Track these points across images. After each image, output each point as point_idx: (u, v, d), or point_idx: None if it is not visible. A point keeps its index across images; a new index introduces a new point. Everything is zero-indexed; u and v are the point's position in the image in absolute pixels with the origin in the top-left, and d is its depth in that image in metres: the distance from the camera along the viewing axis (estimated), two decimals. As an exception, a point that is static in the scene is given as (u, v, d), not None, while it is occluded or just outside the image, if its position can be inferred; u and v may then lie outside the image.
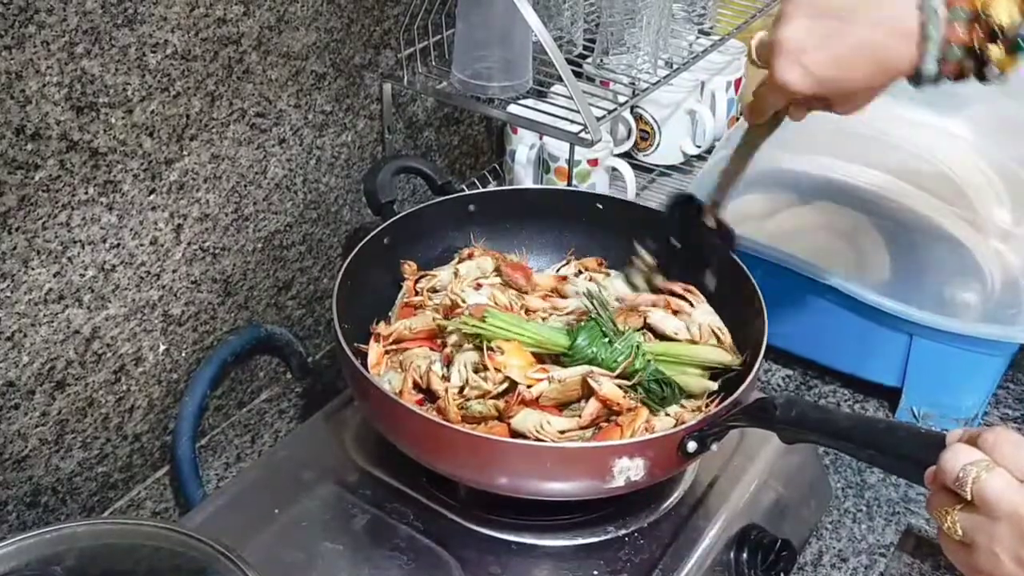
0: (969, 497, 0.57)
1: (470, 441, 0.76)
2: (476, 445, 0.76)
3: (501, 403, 0.81)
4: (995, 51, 0.67)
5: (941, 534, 0.60)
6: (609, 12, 1.18)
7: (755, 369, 0.81)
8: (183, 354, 0.98)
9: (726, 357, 0.88)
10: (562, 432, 0.80)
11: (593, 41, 1.23)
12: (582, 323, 0.85)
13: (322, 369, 1.12)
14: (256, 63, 0.94)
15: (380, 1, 1.07)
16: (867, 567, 0.92)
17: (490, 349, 0.81)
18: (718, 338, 0.89)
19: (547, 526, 0.83)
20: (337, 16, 1.02)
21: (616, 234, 1.01)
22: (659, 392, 0.83)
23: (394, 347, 0.89)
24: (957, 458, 0.58)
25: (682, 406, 0.85)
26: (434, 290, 0.95)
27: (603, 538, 0.82)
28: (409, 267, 0.97)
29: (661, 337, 0.89)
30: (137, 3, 0.81)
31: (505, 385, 0.81)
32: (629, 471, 0.75)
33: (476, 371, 0.82)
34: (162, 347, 0.95)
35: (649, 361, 0.83)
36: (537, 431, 0.79)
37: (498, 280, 0.95)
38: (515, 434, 0.80)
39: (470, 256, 0.98)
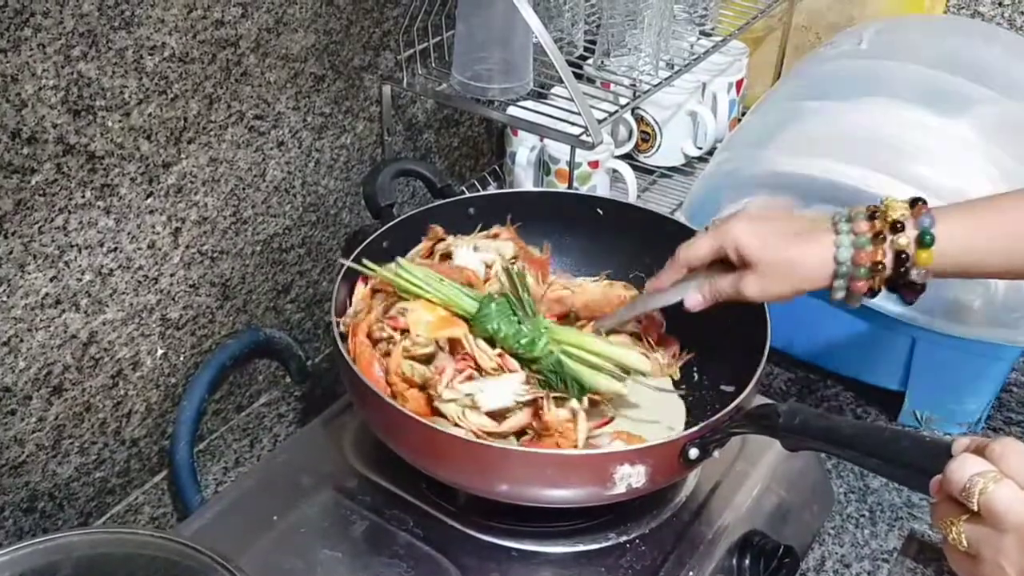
0: (976, 508, 0.56)
1: (469, 448, 0.75)
2: (475, 452, 0.75)
3: (429, 371, 0.80)
4: (903, 240, 0.76)
5: (946, 544, 0.59)
6: (610, 13, 1.18)
7: (757, 374, 0.81)
8: (181, 358, 0.97)
9: (643, 363, 0.85)
10: (483, 428, 0.79)
11: (594, 43, 1.23)
12: (495, 297, 0.84)
13: (321, 373, 1.11)
14: (254, 65, 0.94)
15: (379, 3, 1.07)
16: (870, 573, 0.91)
17: (398, 313, 0.81)
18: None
19: (548, 533, 0.82)
20: (336, 18, 1.01)
21: (617, 237, 1.01)
22: (555, 384, 0.81)
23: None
24: (964, 468, 0.57)
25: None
26: (448, 255, 0.94)
27: (604, 545, 0.82)
28: (434, 230, 0.97)
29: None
30: (134, 5, 0.80)
31: (430, 349, 0.81)
32: (630, 478, 0.74)
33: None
34: (160, 351, 0.94)
35: (551, 352, 0.81)
36: (457, 418, 0.79)
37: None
38: (436, 412, 0.80)
39: (496, 236, 0.97)
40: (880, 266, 0.76)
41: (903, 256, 0.76)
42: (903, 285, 0.78)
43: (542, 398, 0.80)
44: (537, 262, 0.98)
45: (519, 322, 0.82)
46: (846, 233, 0.77)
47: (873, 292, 0.78)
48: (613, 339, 0.91)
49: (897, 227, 0.76)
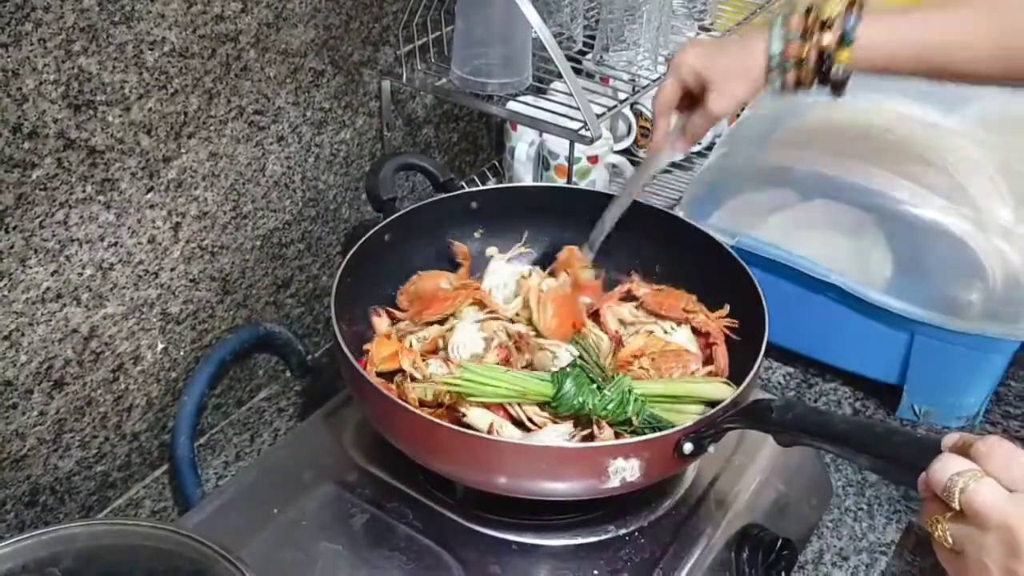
0: (957, 507, 0.56)
1: (466, 441, 0.76)
2: (472, 445, 0.76)
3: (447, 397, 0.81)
4: (827, 37, 0.81)
5: (934, 541, 0.59)
6: (609, 8, 1.18)
7: (755, 368, 0.81)
8: (182, 353, 0.97)
9: (724, 391, 0.83)
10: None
11: (593, 38, 1.23)
12: (566, 369, 0.82)
13: (321, 367, 1.12)
14: (254, 60, 0.94)
15: (379, -2, 1.07)
16: (868, 565, 0.91)
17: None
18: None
19: (547, 526, 0.83)
20: (336, 13, 1.02)
21: (617, 231, 1.01)
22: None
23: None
24: (946, 467, 0.57)
25: None
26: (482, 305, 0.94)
27: (603, 537, 0.82)
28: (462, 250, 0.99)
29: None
30: (134, 0, 0.80)
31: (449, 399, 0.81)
32: (624, 472, 0.75)
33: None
34: (160, 346, 0.95)
35: (643, 404, 0.80)
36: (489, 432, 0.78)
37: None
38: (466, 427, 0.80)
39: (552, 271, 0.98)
40: (804, 61, 0.82)
41: (825, 54, 0.81)
42: (827, 79, 0.83)
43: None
44: (589, 288, 0.96)
45: (599, 388, 0.80)
46: (779, 27, 0.83)
47: (801, 84, 0.84)
48: (674, 336, 0.92)
49: (824, 25, 0.81)
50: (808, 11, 0.83)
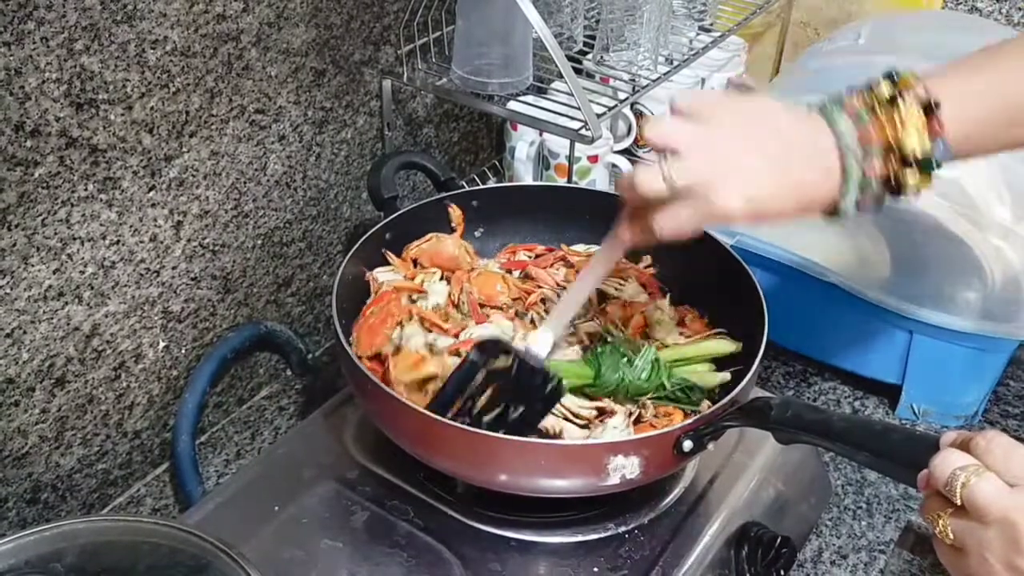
0: (959, 502, 0.57)
1: (466, 437, 0.76)
2: (472, 441, 0.76)
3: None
4: (911, 176, 0.68)
5: (935, 538, 0.60)
6: (609, 8, 1.18)
7: (754, 367, 0.81)
8: (183, 351, 0.98)
9: (731, 346, 0.89)
10: None
11: (593, 38, 1.23)
12: (598, 349, 0.85)
13: (322, 366, 1.12)
14: (255, 59, 0.94)
15: (380, -3, 1.07)
16: (867, 564, 0.92)
17: None
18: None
19: (547, 523, 0.83)
20: (336, 12, 1.02)
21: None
22: (687, 398, 0.84)
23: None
24: (947, 463, 0.58)
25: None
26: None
27: (603, 535, 0.82)
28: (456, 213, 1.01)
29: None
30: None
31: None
32: (624, 469, 0.75)
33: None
34: (162, 344, 0.95)
35: (670, 370, 0.85)
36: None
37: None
38: None
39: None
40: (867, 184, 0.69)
41: (900, 182, 0.69)
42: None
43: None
44: (644, 276, 1.00)
45: (629, 362, 0.84)
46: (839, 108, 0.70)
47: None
48: (626, 290, 0.96)
49: (905, 163, 0.68)
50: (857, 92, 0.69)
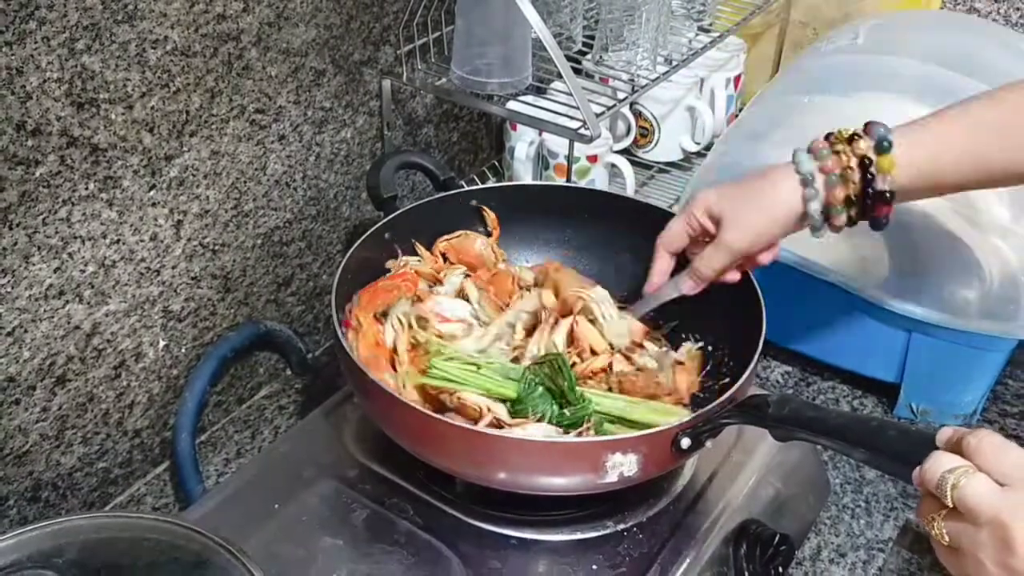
0: (951, 504, 0.57)
1: (465, 435, 0.76)
2: (471, 439, 0.76)
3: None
4: (863, 146, 0.77)
5: (932, 539, 0.60)
6: (608, 8, 1.18)
7: (752, 365, 0.82)
8: (183, 350, 0.98)
9: (681, 413, 0.84)
10: None
11: (592, 38, 1.23)
12: (533, 376, 0.82)
13: (321, 365, 1.12)
14: (256, 59, 0.95)
15: (380, -2, 1.08)
16: (865, 562, 0.92)
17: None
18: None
19: (546, 521, 0.83)
20: (336, 12, 1.02)
21: (616, 231, 1.01)
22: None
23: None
24: (937, 465, 0.58)
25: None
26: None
27: (602, 533, 0.83)
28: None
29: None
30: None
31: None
32: (622, 467, 0.75)
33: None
34: (162, 343, 0.95)
35: (601, 424, 0.82)
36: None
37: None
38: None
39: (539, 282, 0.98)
40: (848, 170, 0.78)
41: (866, 161, 0.77)
42: (874, 199, 0.78)
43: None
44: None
45: (561, 407, 0.82)
46: (803, 152, 0.80)
47: (850, 201, 0.79)
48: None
49: (854, 138, 0.78)
50: (828, 136, 0.80)
